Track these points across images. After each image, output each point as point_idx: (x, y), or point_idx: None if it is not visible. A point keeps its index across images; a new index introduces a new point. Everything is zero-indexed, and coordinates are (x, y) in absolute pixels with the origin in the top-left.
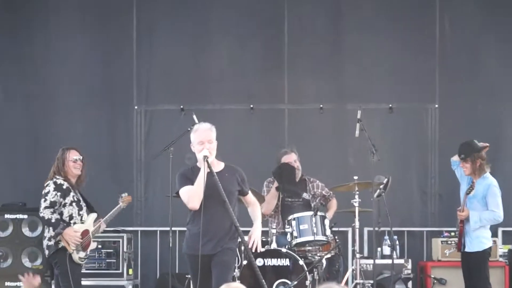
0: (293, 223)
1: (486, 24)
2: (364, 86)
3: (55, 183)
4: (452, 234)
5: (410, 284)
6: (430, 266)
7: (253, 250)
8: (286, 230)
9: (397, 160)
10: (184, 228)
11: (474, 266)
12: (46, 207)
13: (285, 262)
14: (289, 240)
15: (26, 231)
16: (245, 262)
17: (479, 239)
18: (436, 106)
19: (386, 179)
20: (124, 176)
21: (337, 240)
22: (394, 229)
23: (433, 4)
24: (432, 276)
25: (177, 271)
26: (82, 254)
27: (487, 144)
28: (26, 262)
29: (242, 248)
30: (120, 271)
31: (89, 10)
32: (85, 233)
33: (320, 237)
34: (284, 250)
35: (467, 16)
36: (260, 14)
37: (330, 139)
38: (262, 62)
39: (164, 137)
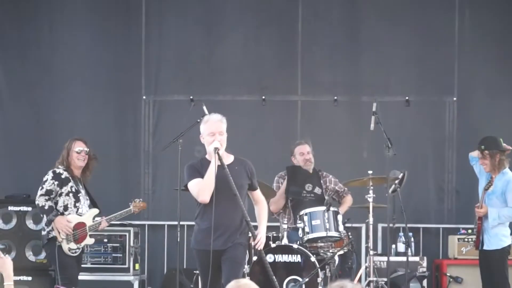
0: (305, 218)
1: (507, 14)
2: (380, 78)
3: (53, 172)
4: (469, 231)
5: (425, 282)
6: (446, 264)
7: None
8: (298, 225)
9: (413, 155)
10: (193, 223)
11: (493, 264)
12: (41, 195)
13: (297, 258)
14: (301, 235)
15: (30, 223)
16: (255, 258)
17: (498, 237)
18: (455, 99)
19: (401, 174)
20: (132, 168)
21: (350, 237)
22: (409, 225)
23: None
24: (448, 274)
25: (185, 267)
26: (73, 245)
27: (511, 148)
28: (30, 255)
29: (253, 243)
30: (127, 266)
31: None
32: (80, 225)
33: (332, 233)
34: (295, 246)
35: (488, 6)
36: (273, 2)
37: (344, 132)
38: (275, 52)
39: (173, 129)
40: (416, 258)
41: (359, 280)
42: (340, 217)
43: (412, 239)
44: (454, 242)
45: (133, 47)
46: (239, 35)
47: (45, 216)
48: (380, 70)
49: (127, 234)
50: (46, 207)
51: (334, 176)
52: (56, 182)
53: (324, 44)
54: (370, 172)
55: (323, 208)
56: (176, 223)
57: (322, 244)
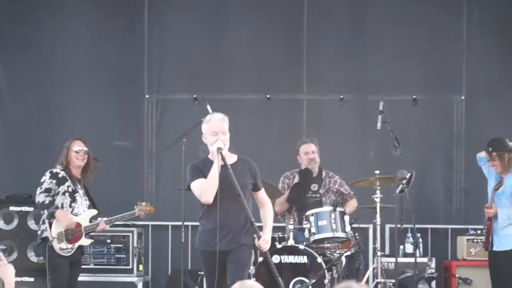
0: (311, 218)
1: None
2: (387, 76)
3: (51, 172)
4: (478, 232)
5: (433, 284)
6: (454, 265)
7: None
8: (304, 226)
9: (421, 154)
10: (197, 223)
11: (503, 265)
12: (41, 192)
13: (303, 259)
14: (307, 236)
15: (31, 224)
16: (260, 259)
17: (507, 238)
18: (463, 97)
19: (409, 174)
20: (135, 168)
21: (358, 237)
22: (417, 226)
23: None
24: (457, 275)
25: (189, 268)
26: (64, 245)
27: None
28: (32, 256)
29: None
30: (130, 267)
31: None
32: (75, 225)
33: (339, 234)
34: (301, 247)
35: (496, 5)
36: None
37: (350, 131)
38: (280, 50)
39: (176, 128)
40: (425, 259)
41: (367, 282)
42: (347, 218)
43: (420, 240)
44: (463, 243)
45: (135, 45)
46: (243, 33)
47: (46, 210)
48: (387, 68)
49: (130, 234)
50: (47, 202)
51: (341, 177)
52: (54, 181)
53: (330, 42)
54: (377, 172)
55: (330, 208)
56: (180, 223)
57: (328, 245)
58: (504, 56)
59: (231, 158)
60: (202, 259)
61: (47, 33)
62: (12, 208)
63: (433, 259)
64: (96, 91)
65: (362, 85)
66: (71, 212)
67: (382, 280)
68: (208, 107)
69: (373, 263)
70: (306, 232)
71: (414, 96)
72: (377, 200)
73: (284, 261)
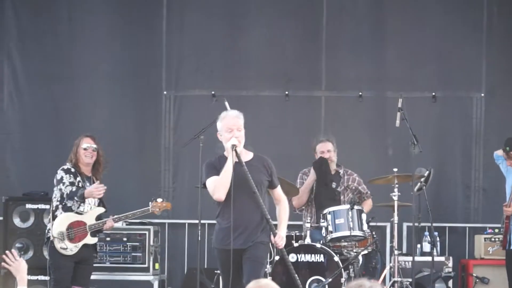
0: (329, 217)
1: None
2: (406, 73)
3: (63, 169)
4: (496, 230)
5: (450, 283)
6: (472, 264)
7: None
8: (321, 224)
9: (439, 152)
10: (214, 221)
11: None
12: (67, 186)
13: (320, 258)
14: (324, 235)
15: (48, 222)
16: (277, 258)
17: None
18: (482, 95)
19: (427, 172)
20: (151, 165)
21: (375, 236)
22: (435, 224)
23: None
24: (474, 274)
25: (205, 266)
26: (66, 244)
27: None
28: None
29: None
30: (146, 265)
31: None
32: (78, 224)
33: (356, 232)
34: (318, 245)
35: None
36: None
37: (369, 128)
38: (299, 46)
39: (194, 125)
40: (442, 258)
41: (384, 280)
42: (364, 216)
43: (438, 239)
44: (480, 242)
45: (153, 40)
46: (262, 29)
47: (75, 197)
48: (406, 65)
49: (146, 232)
50: (74, 189)
51: (359, 175)
52: (71, 175)
53: (349, 38)
54: (395, 169)
55: (347, 206)
56: (197, 221)
57: (345, 244)
58: None
59: (247, 155)
60: (219, 257)
61: (66, 28)
62: (28, 206)
63: (451, 258)
64: (114, 87)
65: (381, 82)
66: (77, 208)
67: (399, 279)
68: (226, 103)
69: (390, 262)
70: (323, 230)
71: (434, 93)
72: (395, 198)
73: (301, 260)
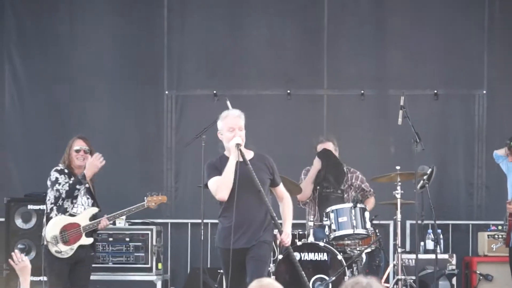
0: (332, 215)
1: None
2: (408, 71)
3: (56, 170)
4: (500, 227)
5: (454, 280)
6: (476, 262)
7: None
8: (324, 222)
9: (442, 150)
10: (217, 221)
11: None
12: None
13: (323, 256)
14: (327, 233)
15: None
16: (280, 257)
17: None
18: (484, 92)
19: (430, 170)
20: (154, 165)
21: (378, 234)
22: (438, 222)
23: None
24: (478, 272)
25: (208, 266)
26: (60, 248)
27: None
28: None
29: (278, 241)
30: (149, 265)
31: None
32: (72, 226)
33: (360, 231)
34: (321, 244)
35: None
36: None
37: (371, 127)
38: (300, 44)
39: (196, 124)
40: (445, 256)
41: (387, 279)
42: (367, 214)
43: (441, 236)
44: (484, 239)
45: (155, 40)
46: (263, 28)
47: (77, 185)
48: (408, 63)
49: (149, 232)
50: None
51: (362, 173)
52: (65, 176)
53: (350, 36)
54: (398, 167)
55: (350, 205)
56: (199, 221)
57: (349, 242)
58: None
59: (248, 155)
60: (222, 257)
61: (67, 28)
62: (30, 207)
63: (454, 255)
64: (115, 87)
65: (383, 80)
66: (72, 209)
67: (403, 277)
68: (228, 103)
69: (394, 260)
70: (326, 229)
71: (436, 91)
72: (398, 196)
73: (304, 259)
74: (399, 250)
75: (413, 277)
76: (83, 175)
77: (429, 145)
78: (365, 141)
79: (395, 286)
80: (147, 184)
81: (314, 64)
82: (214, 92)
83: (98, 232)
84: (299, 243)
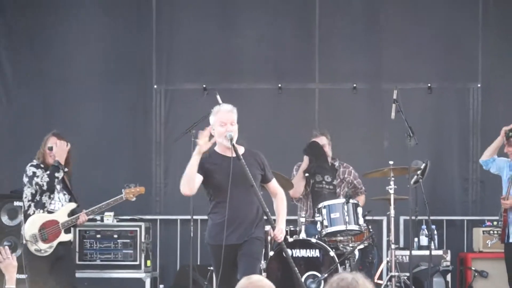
0: (324, 211)
1: None
2: (401, 64)
3: (32, 165)
4: (495, 223)
5: (449, 277)
6: (470, 258)
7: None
8: (316, 218)
9: (436, 144)
10: (207, 217)
11: None
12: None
13: (315, 253)
14: (319, 229)
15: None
16: (271, 253)
17: None
18: (479, 85)
19: (424, 164)
20: (143, 160)
21: (371, 230)
22: (432, 218)
23: None
24: (473, 268)
25: (198, 263)
26: (40, 246)
27: None
28: None
29: (269, 238)
30: (138, 262)
31: None
32: (50, 223)
33: (352, 227)
34: (313, 240)
35: None
36: None
37: (364, 121)
38: (292, 37)
39: (185, 119)
40: (440, 252)
41: (380, 275)
42: (360, 210)
43: (435, 232)
44: (479, 235)
45: (143, 33)
46: (254, 20)
47: (56, 174)
48: (401, 56)
49: (138, 229)
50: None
51: (354, 168)
52: (42, 170)
53: (343, 29)
54: (391, 162)
55: (343, 200)
56: (189, 217)
57: (341, 238)
58: None
59: (239, 150)
60: (212, 254)
61: (54, 24)
62: (16, 204)
63: (449, 251)
64: (103, 82)
65: (375, 74)
66: (50, 204)
67: (396, 274)
68: (218, 97)
69: (387, 256)
70: (318, 225)
71: (429, 84)
72: (391, 191)
73: (296, 255)
74: (393, 246)
75: (407, 274)
76: (58, 161)
77: (423, 139)
78: (357, 136)
79: (388, 283)
80: (136, 180)
81: (305, 58)
82: (204, 86)
83: (86, 229)
84: (290, 240)
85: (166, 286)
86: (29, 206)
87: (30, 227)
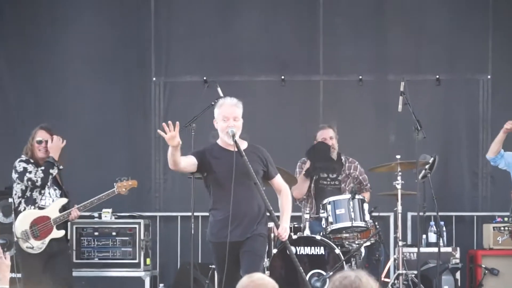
0: (329, 207)
1: None
2: (409, 55)
3: (21, 160)
4: (505, 219)
5: (458, 274)
6: (480, 255)
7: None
8: (321, 215)
9: (444, 138)
10: (208, 214)
11: None
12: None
13: (320, 250)
14: (324, 226)
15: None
16: (275, 251)
17: None
18: (489, 77)
19: (432, 159)
20: (141, 155)
21: (378, 227)
22: (440, 214)
23: None
24: (483, 266)
25: (199, 261)
26: (32, 243)
27: None
28: None
29: (272, 235)
30: (137, 261)
31: None
32: (41, 219)
33: (358, 223)
34: (318, 237)
35: None
36: None
37: (370, 114)
38: (295, 27)
39: (185, 112)
40: (449, 249)
41: (388, 273)
42: (366, 206)
43: (444, 229)
44: (489, 231)
45: (142, 25)
46: (255, 10)
47: (50, 170)
48: (408, 47)
49: (137, 226)
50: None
51: (360, 163)
52: (32, 165)
53: (348, 19)
54: (398, 156)
55: (348, 196)
56: (189, 214)
57: (347, 235)
58: None
59: (242, 145)
60: (214, 251)
61: (49, 15)
62: (11, 200)
63: (458, 248)
64: (100, 74)
65: (382, 65)
66: (41, 200)
67: (404, 272)
68: (219, 89)
69: (394, 254)
70: (323, 221)
71: (438, 76)
72: (398, 186)
73: (300, 253)
74: (400, 243)
75: (415, 272)
76: (52, 158)
77: (431, 133)
78: (363, 129)
79: (396, 281)
80: (134, 176)
81: (309, 49)
82: (204, 78)
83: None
84: (294, 237)
85: (166, 285)
86: (20, 202)
87: (21, 224)
